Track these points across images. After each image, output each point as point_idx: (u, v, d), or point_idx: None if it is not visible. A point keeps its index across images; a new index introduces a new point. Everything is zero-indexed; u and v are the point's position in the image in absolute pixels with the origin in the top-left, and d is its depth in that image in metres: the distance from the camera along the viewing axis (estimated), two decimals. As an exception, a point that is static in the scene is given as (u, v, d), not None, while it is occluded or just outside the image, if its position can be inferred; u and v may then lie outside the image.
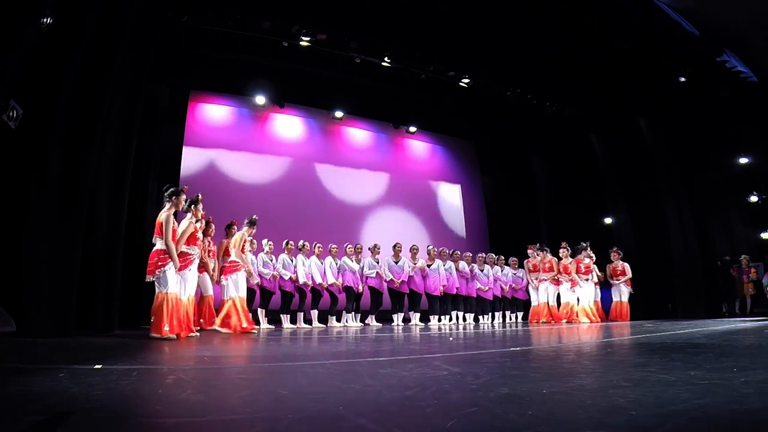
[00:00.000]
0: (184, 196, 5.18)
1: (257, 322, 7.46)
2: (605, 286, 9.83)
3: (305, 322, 7.72)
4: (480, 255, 9.69)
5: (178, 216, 5.30)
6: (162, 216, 4.99)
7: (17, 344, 3.97)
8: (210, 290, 6.73)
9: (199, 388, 2.12)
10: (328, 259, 7.90)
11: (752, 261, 10.47)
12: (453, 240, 11.64)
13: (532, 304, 9.68)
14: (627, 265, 9.43)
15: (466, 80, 10.43)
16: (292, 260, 7.65)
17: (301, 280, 7.57)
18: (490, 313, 9.50)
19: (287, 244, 7.69)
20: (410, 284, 8.47)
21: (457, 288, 8.93)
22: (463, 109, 12.08)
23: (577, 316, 9.00)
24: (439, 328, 7.07)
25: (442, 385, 1.95)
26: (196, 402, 1.77)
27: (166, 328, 4.77)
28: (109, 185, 5.95)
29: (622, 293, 9.40)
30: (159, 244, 4.97)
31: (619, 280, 9.40)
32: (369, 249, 8.49)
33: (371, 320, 8.37)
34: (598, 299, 9.60)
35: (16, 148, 4.76)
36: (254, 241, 7.56)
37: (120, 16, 5.55)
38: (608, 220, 11.68)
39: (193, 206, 5.35)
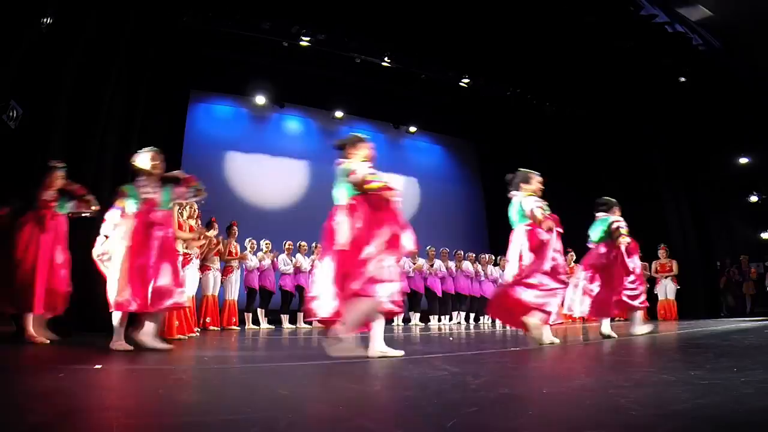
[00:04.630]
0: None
1: (257, 323, 7.46)
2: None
3: (305, 322, 7.72)
4: (483, 256, 9.69)
5: None
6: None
7: (18, 344, 3.97)
8: (210, 290, 6.74)
9: (199, 388, 2.12)
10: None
11: (752, 261, 10.47)
12: (453, 240, 11.61)
13: None
14: (675, 262, 8.87)
15: (466, 80, 10.42)
16: (291, 260, 7.66)
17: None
18: (490, 314, 9.50)
19: (286, 244, 7.69)
20: (410, 284, 8.48)
21: (457, 288, 8.95)
22: (463, 109, 12.06)
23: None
24: (439, 328, 7.07)
25: (442, 385, 1.95)
26: (196, 402, 1.77)
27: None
28: (109, 185, 5.93)
29: (668, 290, 8.79)
30: None
31: (665, 277, 8.85)
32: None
33: (371, 320, 8.36)
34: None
35: (16, 148, 4.76)
36: (254, 241, 7.57)
37: (120, 16, 5.56)
38: (608, 220, 11.64)
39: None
